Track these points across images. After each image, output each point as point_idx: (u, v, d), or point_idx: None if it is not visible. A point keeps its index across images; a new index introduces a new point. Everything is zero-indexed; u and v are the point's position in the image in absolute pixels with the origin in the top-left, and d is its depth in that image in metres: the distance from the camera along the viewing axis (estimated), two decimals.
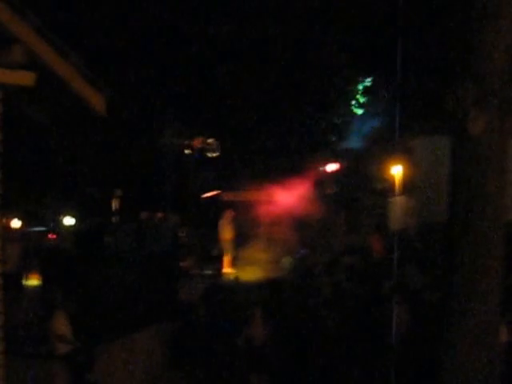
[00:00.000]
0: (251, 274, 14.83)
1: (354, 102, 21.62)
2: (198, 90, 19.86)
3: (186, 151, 12.67)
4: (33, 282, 10.88)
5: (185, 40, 20.07)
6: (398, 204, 8.97)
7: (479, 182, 5.11)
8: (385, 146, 17.76)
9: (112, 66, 17.67)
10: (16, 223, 15.83)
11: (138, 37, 19.35)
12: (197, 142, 12.72)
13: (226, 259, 16.09)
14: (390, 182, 15.96)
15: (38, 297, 9.51)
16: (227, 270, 15.73)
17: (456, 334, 5.07)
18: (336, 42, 19.96)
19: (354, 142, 20.75)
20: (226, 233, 16.38)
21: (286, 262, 15.54)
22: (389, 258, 9.05)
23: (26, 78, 5.87)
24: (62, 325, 8.14)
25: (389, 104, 17.30)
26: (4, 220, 15.16)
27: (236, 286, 12.77)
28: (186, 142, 12.66)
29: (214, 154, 13.46)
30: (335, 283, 11.09)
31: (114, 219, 15.31)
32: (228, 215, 16.55)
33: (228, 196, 17.94)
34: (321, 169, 19.16)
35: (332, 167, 19.10)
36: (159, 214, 15.99)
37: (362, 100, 21.40)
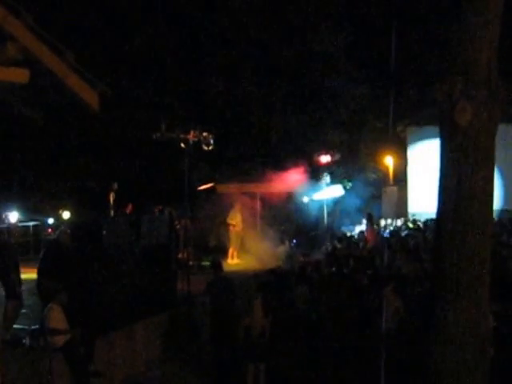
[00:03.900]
0: (250, 263, 14.97)
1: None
2: (194, 83, 19.95)
3: (182, 144, 12.73)
4: (30, 275, 10.93)
5: (181, 33, 20.10)
6: (391, 194, 9.04)
7: (467, 172, 5.18)
8: (378, 136, 17.91)
9: (107, 61, 17.72)
10: (14, 217, 15.93)
11: (134, 32, 19.39)
12: (192, 136, 12.77)
13: (233, 250, 16.24)
14: (383, 173, 16.18)
15: (36, 289, 9.54)
16: (234, 260, 15.89)
17: (446, 322, 5.15)
18: (332, 35, 19.99)
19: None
20: (234, 224, 16.55)
21: (282, 250, 15.71)
22: (381, 247, 9.15)
23: (20, 75, 5.94)
24: (56, 317, 8.20)
25: (382, 96, 17.35)
26: (3, 215, 15.29)
27: (237, 275, 12.89)
28: (181, 136, 12.71)
29: (209, 147, 13.53)
30: (331, 272, 11.22)
31: (111, 212, 15.37)
32: (237, 206, 16.72)
33: (222, 188, 18.06)
34: (315, 160, 19.23)
35: (326, 158, 19.15)
36: (157, 207, 16.09)
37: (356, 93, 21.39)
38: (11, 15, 5.71)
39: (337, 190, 19.04)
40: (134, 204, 15.73)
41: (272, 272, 11.37)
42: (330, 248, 14.57)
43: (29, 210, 18.94)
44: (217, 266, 10.52)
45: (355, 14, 19.26)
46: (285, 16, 20.34)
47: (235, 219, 16.65)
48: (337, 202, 19.55)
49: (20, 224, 17.06)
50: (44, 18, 6.35)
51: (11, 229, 11.55)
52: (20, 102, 6.62)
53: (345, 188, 19.54)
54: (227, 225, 16.70)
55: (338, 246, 14.75)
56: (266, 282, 10.74)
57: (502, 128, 5.51)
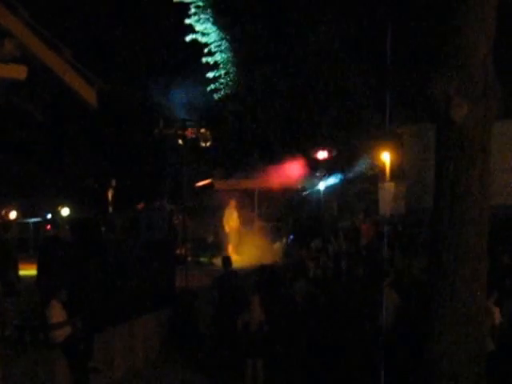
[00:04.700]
0: (248, 259, 15.01)
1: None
2: (190, 78, 19.98)
3: (180, 141, 12.82)
4: (30, 271, 10.97)
5: (179, 27, 20.14)
6: (388, 190, 9.08)
7: (463, 168, 5.23)
8: (375, 133, 17.98)
9: (105, 57, 17.75)
10: (13, 214, 16.01)
11: (130, 26, 19.42)
12: (189, 132, 12.86)
13: (231, 247, 16.28)
14: (380, 169, 16.23)
15: (35, 285, 9.59)
16: (233, 257, 15.92)
17: (443, 317, 5.20)
18: (329, 32, 20.02)
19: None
20: (231, 221, 16.60)
21: (279, 247, 15.77)
22: (378, 242, 9.19)
23: (17, 72, 5.96)
24: (56, 314, 8.25)
25: (379, 92, 17.40)
26: (3, 212, 15.38)
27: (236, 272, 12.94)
28: (179, 132, 12.79)
29: (207, 144, 13.63)
30: (326, 267, 11.29)
31: (109, 209, 15.41)
32: (232, 203, 16.76)
33: (220, 184, 18.09)
34: (313, 156, 19.28)
35: (324, 155, 19.22)
36: (156, 203, 16.16)
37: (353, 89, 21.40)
38: (8, 12, 5.73)
39: (333, 179, 19.11)
40: (145, 202, 15.80)
41: (262, 268, 11.43)
42: (325, 243, 14.62)
43: (27, 207, 18.99)
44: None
45: (351, 10, 19.24)
46: (282, 11, 20.35)
47: (230, 218, 16.67)
48: (333, 195, 19.63)
49: (19, 221, 17.11)
50: (41, 14, 6.36)
51: (10, 226, 11.57)
52: (18, 98, 6.66)
53: (341, 183, 19.67)
54: (224, 223, 16.74)
55: (334, 241, 14.81)
56: (263, 278, 10.82)
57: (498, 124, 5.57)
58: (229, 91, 20.71)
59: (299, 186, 18.96)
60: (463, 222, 5.21)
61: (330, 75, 20.42)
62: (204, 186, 18.61)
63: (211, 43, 21.02)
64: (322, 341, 8.80)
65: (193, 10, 20.92)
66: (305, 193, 19.33)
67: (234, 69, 20.62)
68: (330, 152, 19.17)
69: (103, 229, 10.11)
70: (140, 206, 15.50)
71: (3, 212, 15.28)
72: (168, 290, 11.29)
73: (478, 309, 5.27)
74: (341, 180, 19.59)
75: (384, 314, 7.42)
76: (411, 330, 7.53)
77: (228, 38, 20.71)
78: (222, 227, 16.70)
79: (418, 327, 6.10)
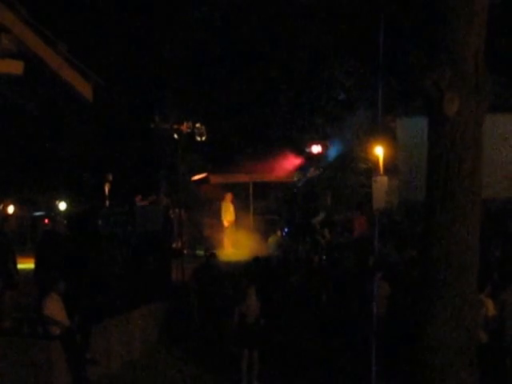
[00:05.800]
0: (243, 252, 15.09)
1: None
2: (186, 75, 20.00)
3: (175, 135, 12.90)
4: (28, 264, 11.02)
5: (172, 24, 20.12)
6: (381, 184, 9.13)
7: (455, 161, 5.29)
8: (368, 127, 18.03)
9: (100, 52, 17.74)
10: (11, 208, 16.11)
11: (126, 21, 19.38)
12: (185, 127, 12.94)
13: (227, 240, 16.36)
14: (373, 162, 16.22)
15: (33, 279, 9.65)
16: (229, 249, 16.03)
17: (435, 307, 5.28)
18: (321, 26, 20.01)
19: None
20: (228, 214, 16.68)
21: (273, 240, 15.85)
22: (370, 236, 9.27)
23: (14, 67, 6.02)
24: (53, 306, 8.32)
25: (371, 87, 17.45)
26: (1, 206, 15.44)
27: (232, 264, 13.04)
28: (175, 127, 12.88)
29: (202, 138, 13.71)
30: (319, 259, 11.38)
31: (106, 203, 15.45)
32: (228, 197, 16.83)
33: (215, 178, 18.15)
34: (307, 150, 19.35)
35: (317, 149, 19.28)
36: (152, 197, 16.21)
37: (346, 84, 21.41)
38: (5, 7, 5.77)
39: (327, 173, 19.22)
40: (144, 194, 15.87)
41: (257, 260, 11.55)
42: (317, 237, 14.73)
43: (25, 201, 19.04)
44: (211, 256, 11.43)
45: (343, 4, 19.21)
46: (275, 7, 20.33)
47: (227, 212, 16.74)
48: (327, 188, 19.72)
49: (17, 215, 17.16)
50: (37, 9, 6.40)
51: (8, 219, 11.62)
52: (15, 93, 6.70)
53: (335, 177, 19.79)
54: (220, 217, 16.82)
55: (328, 235, 14.90)
56: (258, 270, 10.93)
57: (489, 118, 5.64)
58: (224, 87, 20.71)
59: (293, 180, 19.03)
60: (455, 216, 5.26)
61: (322, 68, 20.42)
62: (200, 179, 18.65)
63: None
64: (317, 332, 8.91)
65: None
66: (299, 186, 19.40)
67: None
68: (323, 146, 19.23)
69: (100, 223, 10.16)
70: (138, 198, 15.54)
71: (1, 206, 15.37)
72: (164, 283, 11.38)
73: (470, 301, 5.32)
74: (334, 173, 19.69)
75: (375, 306, 7.53)
76: (402, 320, 7.62)
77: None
78: (219, 221, 16.78)
79: (408, 318, 6.18)
